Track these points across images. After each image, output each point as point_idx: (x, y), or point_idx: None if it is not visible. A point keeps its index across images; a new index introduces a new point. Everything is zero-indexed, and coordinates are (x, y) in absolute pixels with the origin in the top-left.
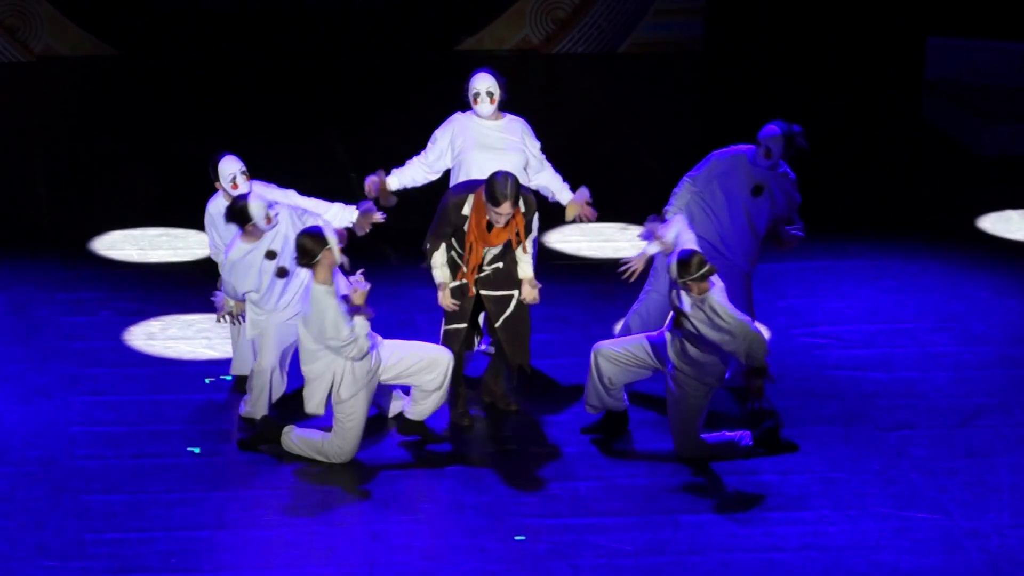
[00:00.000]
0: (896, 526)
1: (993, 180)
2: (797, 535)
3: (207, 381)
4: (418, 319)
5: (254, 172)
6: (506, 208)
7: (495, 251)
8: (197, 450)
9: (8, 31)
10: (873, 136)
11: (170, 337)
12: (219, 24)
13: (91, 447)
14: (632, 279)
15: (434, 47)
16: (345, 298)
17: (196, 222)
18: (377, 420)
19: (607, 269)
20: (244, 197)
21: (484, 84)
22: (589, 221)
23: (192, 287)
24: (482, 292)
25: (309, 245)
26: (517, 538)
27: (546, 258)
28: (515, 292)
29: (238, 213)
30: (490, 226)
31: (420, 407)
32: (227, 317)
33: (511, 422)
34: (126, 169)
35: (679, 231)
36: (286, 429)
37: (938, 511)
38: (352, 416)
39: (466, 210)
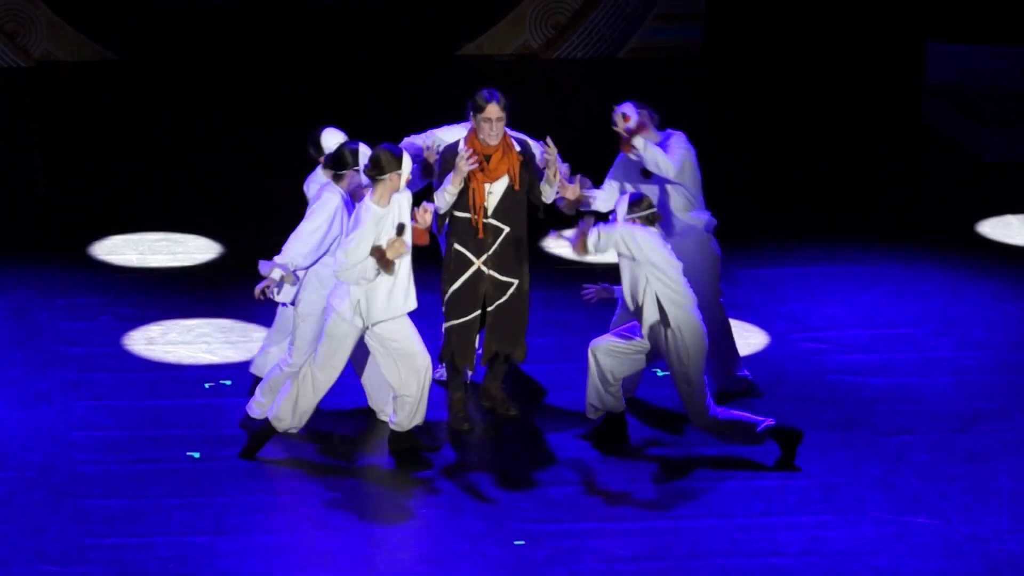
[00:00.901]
0: (896, 531)
1: (993, 185)
2: (797, 540)
3: (207, 386)
4: (418, 319)
5: (253, 173)
6: (493, 111)
7: (499, 191)
8: (197, 455)
9: (8, 36)
10: (874, 141)
11: (170, 342)
12: (218, 27)
13: (91, 452)
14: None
15: (434, 52)
16: (401, 227)
17: (196, 226)
18: (377, 426)
19: (605, 274)
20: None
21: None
22: (559, 173)
23: (192, 292)
24: (488, 272)
25: (385, 159)
26: (517, 543)
27: (545, 262)
28: (516, 281)
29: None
30: (488, 160)
31: (400, 416)
32: (269, 291)
33: (510, 427)
34: (126, 174)
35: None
36: (270, 419)
37: (938, 516)
38: (337, 352)
39: (461, 149)
